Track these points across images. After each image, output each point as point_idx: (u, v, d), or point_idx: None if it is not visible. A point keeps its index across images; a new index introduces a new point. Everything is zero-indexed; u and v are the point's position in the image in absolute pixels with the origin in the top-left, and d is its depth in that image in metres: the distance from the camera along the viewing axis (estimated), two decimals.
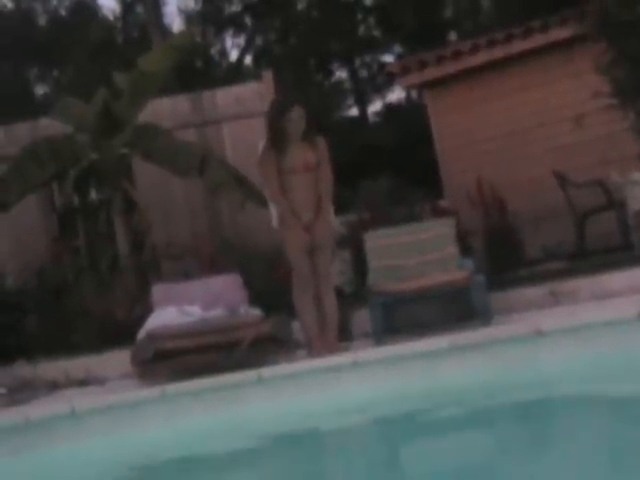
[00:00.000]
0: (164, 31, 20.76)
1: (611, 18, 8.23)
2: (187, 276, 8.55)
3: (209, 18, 23.97)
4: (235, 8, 24.26)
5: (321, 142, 7.02)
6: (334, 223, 7.28)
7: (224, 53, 25.22)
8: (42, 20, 24.42)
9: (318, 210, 6.94)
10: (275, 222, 7.14)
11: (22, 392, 7.64)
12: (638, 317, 5.96)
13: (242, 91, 10.81)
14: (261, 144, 7.14)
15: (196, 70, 22.00)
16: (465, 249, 8.02)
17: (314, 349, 6.87)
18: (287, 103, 6.98)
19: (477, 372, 6.00)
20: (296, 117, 6.90)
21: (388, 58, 23.42)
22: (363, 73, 25.11)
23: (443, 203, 10.38)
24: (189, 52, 12.10)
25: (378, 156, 17.19)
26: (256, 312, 7.25)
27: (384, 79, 23.26)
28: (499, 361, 6.05)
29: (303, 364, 6.60)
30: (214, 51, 24.93)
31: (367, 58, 24.76)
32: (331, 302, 7.00)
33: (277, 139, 6.91)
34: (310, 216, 6.90)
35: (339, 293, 7.44)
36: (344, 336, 7.40)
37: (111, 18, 24.88)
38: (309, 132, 6.96)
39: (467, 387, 5.91)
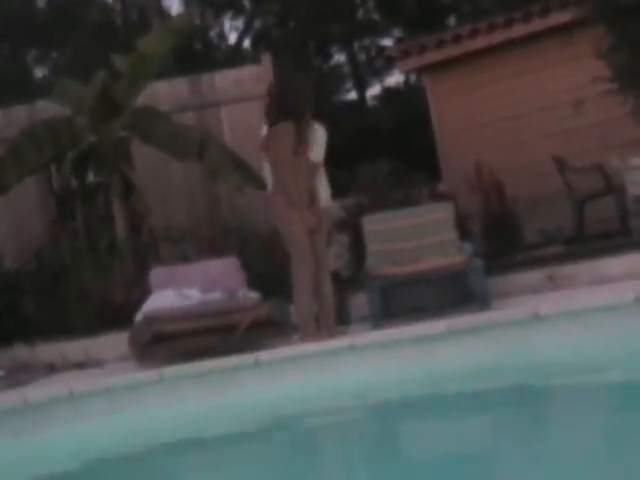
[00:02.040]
0: (163, 14, 20.75)
1: (612, 2, 8.20)
2: (185, 259, 8.54)
3: (208, 1, 23.86)
4: None
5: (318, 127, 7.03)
6: (332, 207, 7.28)
7: (223, 36, 25.12)
8: (41, 2, 24.30)
9: (313, 192, 6.93)
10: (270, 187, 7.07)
11: (20, 374, 7.65)
12: (635, 302, 5.98)
13: (241, 74, 10.78)
14: (265, 127, 7.10)
15: (195, 53, 21.92)
16: (463, 233, 8.00)
17: (307, 334, 6.83)
18: (300, 80, 6.99)
19: (475, 356, 6.01)
20: (308, 93, 6.93)
21: (387, 42, 23.35)
22: (362, 57, 25.02)
23: (442, 187, 10.37)
24: (188, 35, 12.06)
25: (376, 140, 17.15)
26: (254, 295, 7.25)
27: (383, 63, 23.19)
28: (497, 345, 6.06)
29: (301, 348, 6.60)
30: (213, 34, 24.83)
31: (366, 42, 24.66)
32: (328, 286, 6.99)
33: (286, 116, 6.84)
34: (308, 197, 6.90)
35: (336, 277, 7.44)
36: (342, 320, 7.39)
37: (110, 0, 24.78)
38: (310, 115, 6.96)
39: (465, 371, 5.92)
